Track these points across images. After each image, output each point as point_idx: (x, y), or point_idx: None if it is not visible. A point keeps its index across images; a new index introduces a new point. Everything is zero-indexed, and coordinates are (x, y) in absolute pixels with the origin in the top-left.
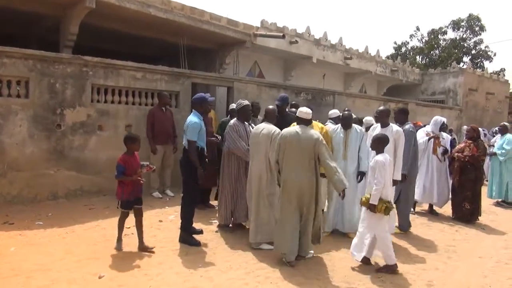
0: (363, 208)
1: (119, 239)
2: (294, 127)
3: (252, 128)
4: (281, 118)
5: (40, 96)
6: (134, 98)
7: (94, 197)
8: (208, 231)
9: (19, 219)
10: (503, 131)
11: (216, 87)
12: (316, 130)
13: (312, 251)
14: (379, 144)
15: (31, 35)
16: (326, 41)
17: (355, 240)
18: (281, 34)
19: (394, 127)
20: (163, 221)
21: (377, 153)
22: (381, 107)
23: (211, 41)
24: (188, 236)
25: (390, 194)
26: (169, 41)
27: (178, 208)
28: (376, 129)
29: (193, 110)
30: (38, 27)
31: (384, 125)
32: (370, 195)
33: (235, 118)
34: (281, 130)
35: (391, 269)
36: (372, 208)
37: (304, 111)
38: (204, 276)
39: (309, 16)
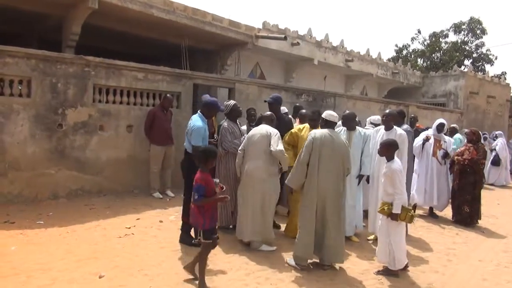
0: (381, 216)
1: (203, 282)
2: (325, 130)
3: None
4: (280, 121)
5: (42, 96)
6: (135, 98)
7: (95, 197)
8: None
9: (20, 218)
10: (452, 133)
11: (218, 88)
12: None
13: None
14: (388, 150)
15: (33, 34)
16: (327, 43)
17: (379, 246)
18: (283, 35)
19: (398, 130)
20: (163, 221)
21: (387, 160)
22: (388, 110)
23: (212, 42)
24: (188, 237)
25: (406, 199)
26: (171, 42)
27: (178, 209)
28: (380, 131)
29: (198, 111)
30: (40, 26)
31: (388, 128)
32: (391, 204)
33: (226, 119)
34: (279, 131)
35: (391, 273)
36: (395, 217)
37: (333, 114)
38: None
39: (311, 18)
